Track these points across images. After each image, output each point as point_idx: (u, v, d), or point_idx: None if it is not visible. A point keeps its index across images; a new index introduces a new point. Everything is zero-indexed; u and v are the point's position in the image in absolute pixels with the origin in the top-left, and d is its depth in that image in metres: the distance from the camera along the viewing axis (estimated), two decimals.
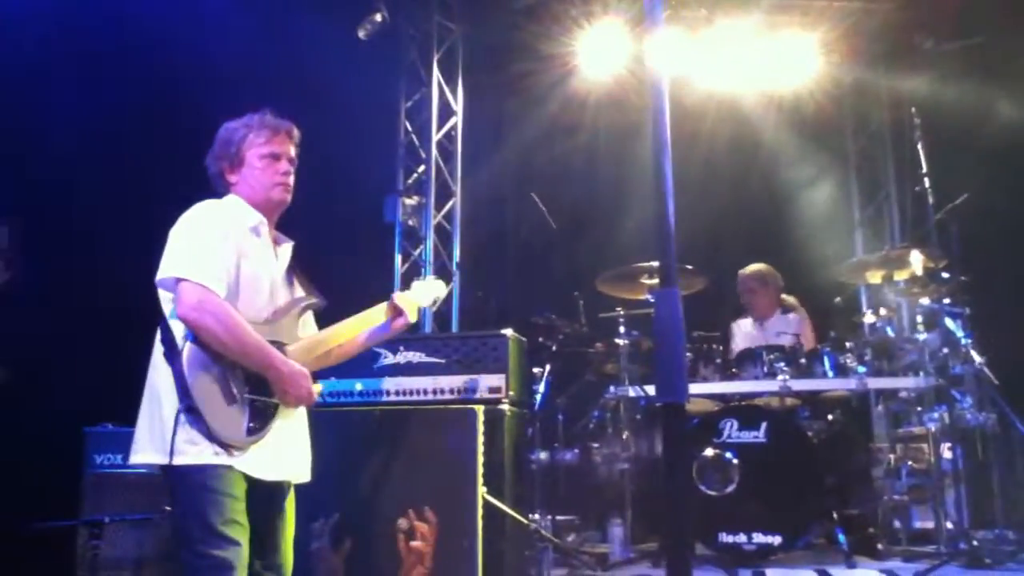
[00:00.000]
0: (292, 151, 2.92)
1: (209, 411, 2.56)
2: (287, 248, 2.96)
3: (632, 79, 7.04)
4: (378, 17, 6.80)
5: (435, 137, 7.48)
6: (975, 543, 4.36)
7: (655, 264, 5.36)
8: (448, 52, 7.65)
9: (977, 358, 4.96)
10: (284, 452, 2.78)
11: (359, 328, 3.03)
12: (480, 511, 3.79)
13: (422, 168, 7.46)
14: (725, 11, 6.91)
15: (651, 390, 5.05)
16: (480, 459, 3.85)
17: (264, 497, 2.73)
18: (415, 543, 3.79)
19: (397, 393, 4.13)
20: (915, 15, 7.01)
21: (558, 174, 7.34)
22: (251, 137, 2.86)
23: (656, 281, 5.43)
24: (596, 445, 5.59)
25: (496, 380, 4.09)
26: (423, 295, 3.22)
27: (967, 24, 6.99)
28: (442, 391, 4.10)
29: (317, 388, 2.78)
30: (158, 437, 2.59)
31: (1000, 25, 6.78)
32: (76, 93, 5.36)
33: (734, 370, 5.15)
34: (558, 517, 5.31)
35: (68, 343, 5.06)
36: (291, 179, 2.90)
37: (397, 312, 3.05)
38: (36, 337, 4.91)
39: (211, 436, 2.56)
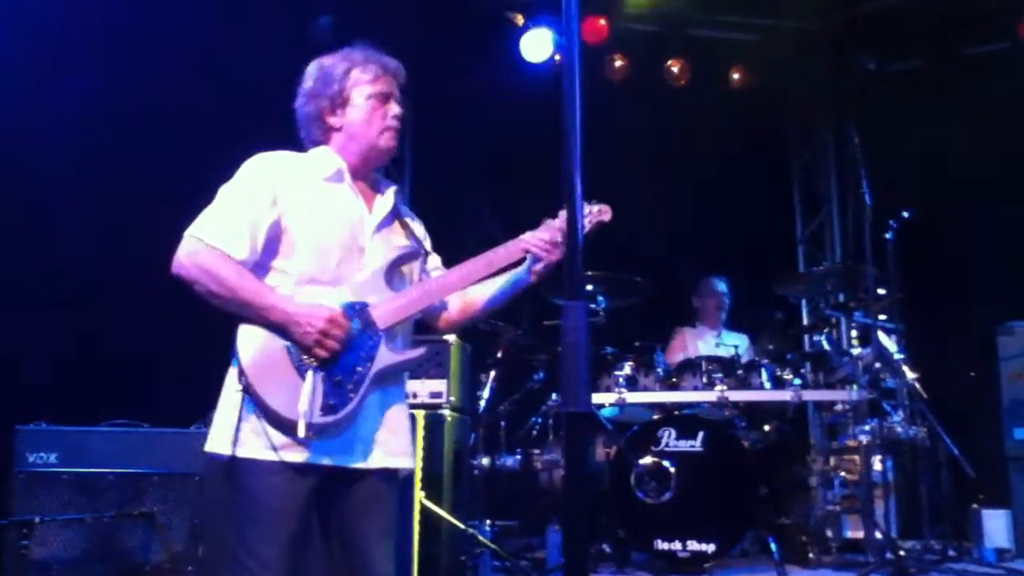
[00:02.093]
0: (399, 92, 2.56)
1: (268, 391, 2.26)
2: (389, 195, 2.56)
3: (589, 85, 7.10)
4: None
5: None
6: (902, 553, 4.47)
7: (601, 273, 5.44)
8: (400, 49, 7.63)
9: (909, 374, 5.11)
10: (381, 433, 2.41)
11: (482, 275, 2.56)
12: (417, 516, 3.81)
13: None
14: (674, 24, 7.02)
15: (592, 398, 5.10)
16: (419, 464, 3.88)
17: (352, 492, 2.38)
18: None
19: None
20: (859, 36, 7.18)
21: (508, 178, 7.38)
22: (357, 73, 2.50)
23: (601, 290, 5.50)
24: (537, 451, 5.63)
25: (438, 385, 4.12)
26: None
27: (909, 47, 7.19)
28: None
29: (339, 319, 2.30)
30: (224, 424, 2.32)
31: (940, 49, 7.00)
32: (45, 80, 5.30)
33: (674, 380, 5.23)
34: (499, 522, 5.34)
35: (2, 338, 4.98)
36: (399, 122, 2.54)
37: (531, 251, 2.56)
38: None
39: (277, 423, 2.26)
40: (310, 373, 2.28)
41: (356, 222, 2.47)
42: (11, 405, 4.61)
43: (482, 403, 5.37)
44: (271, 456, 2.27)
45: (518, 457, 5.56)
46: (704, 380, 5.11)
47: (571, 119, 1.71)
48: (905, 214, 5.22)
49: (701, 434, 4.80)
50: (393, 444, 2.44)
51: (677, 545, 4.64)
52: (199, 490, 4.01)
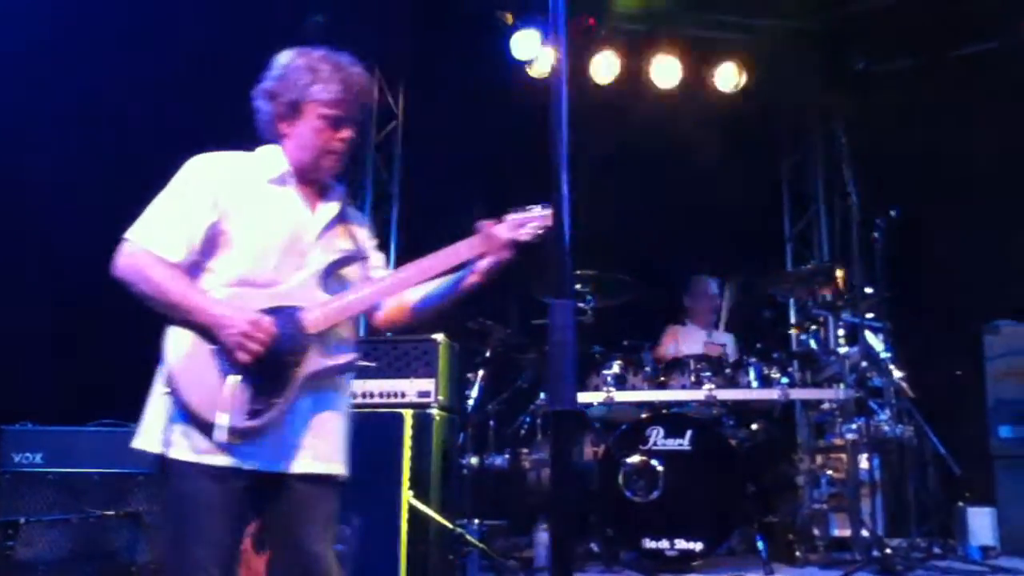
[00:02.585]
0: (358, 112, 2.51)
1: (192, 394, 2.28)
2: (334, 202, 2.55)
3: (575, 88, 7.11)
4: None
5: (374, 140, 7.48)
6: (888, 551, 4.49)
7: (590, 272, 5.45)
8: (390, 53, 7.64)
9: (896, 372, 5.13)
10: (309, 438, 2.40)
11: (422, 278, 2.54)
12: (405, 515, 3.81)
13: (360, 172, 7.45)
14: (664, 25, 7.03)
15: (581, 397, 5.11)
16: (407, 463, 3.88)
17: (284, 496, 2.39)
18: (337, 547, 3.79)
19: None
20: (848, 36, 7.21)
21: (498, 181, 7.38)
22: (316, 89, 2.43)
23: (590, 289, 5.51)
24: (526, 451, 5.63)
25: (426, 384, 4.12)
26: (512, 227, 2.60)
27: (897, 47, 7.22)
28: (371, 395, 4.11)
29: (263, 323, 2.30)
30: (153, 423, 2.33)
31: (928, 50, 7.03)
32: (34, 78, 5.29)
33: (662, 379, 5.24)
34: (487, 522, 5.34)
35: None
36: (348, 146, 2.50)
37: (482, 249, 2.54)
38: None
39: (199, 425, 2.27)
40: (234, 377, 2.29)
41: (298, 225, 2.47)
42: None
43: (471, 402, 5.38)
44: (198, 459, 2.28)
45: (507, 456, 5.57)
46: (692, 379, 5.12)
47: (557, 119, 1.72)
48: (892, 213, 5.24)
49: (689, 433, 4.80)
50: (322, 449, 2.43)
51: (665, 544, 4.65)
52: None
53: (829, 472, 5.31)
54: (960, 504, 5.15)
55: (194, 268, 2.39)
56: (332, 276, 2.49)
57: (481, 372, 5.51)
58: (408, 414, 3.96)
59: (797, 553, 4.97)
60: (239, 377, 2.30)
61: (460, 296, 2.65)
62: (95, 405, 4.45)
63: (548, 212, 2.46)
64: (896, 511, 5.26)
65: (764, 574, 4.50)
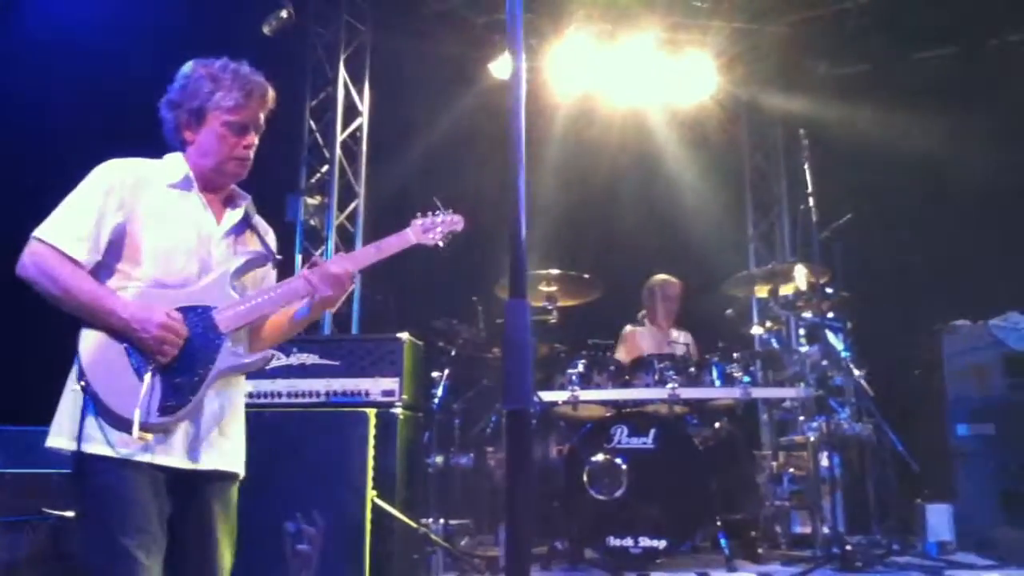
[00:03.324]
0: (261, 118, 2.58)
1: (106, 391, 2.30)
2: (238, 210, 2.61)
3: (537, 88, 7.14)
4: (284, 14, 6.72)
5: (340, 137, 7.45)
6: (848, 547, 4.55)
7: (553, 272, 5.47)
8: (355, 52, 7.63)
9: (856, 371, 5.20)
10: (217, 436, 2.45)
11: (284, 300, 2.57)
12: (369, 514, 3.79)
13: (326, 168, 7.42)
14: (627, 27, 7.07)
15: (546, 396, 5.12)
16: (371, 462, 3.86)
17: (190, 491, 2.42)
18: (301, 546, 3.77)
19: (289, 395, 4.10)
20: (808, 40, 7.30)
21: (464, 179, 7.37)
22: (218, 96, 2.50)
23: (554, 288, 5.53)
24: (491, 450, 5.64)
25: (390, 383, 4.10)
26: (418, 231, 2.69)
27: (857, 52, 7.32)
28: (335, 393, 4.09)
29: (174, 325, 2.34)
30: (66, 420, 2.34)
31: (886, 55, 7.14)
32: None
33: (627, 377, 5.26)
34: (452, 521, 5.33)
35: None
36: (252, 152, 2.57)
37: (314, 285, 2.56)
38: None
39: (114, 421, 2.29)
40: (148, 375, 2.32)
41: (202, 228, 2.52)
42: None
43: (436, 401, 5.37)
44: (114, 453, 2.30)
45: (472, 455, 5.56)
46: (656, 378, 5.14)
47: (515, 120, 1.72)
48: (850, 215, 5.31)
49: (653, 431, 4.83)
50: (227, 447, 2.50)
51: (629, 541, 4.67)
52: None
53: (791, 470, 5.37)
54: (919, 501, 5.23)
55: (104, 269, 2.42)
56: (239, 278, 2.56)
57: (446, 371, 5.50)
58: (372, 413, 3.93)
59: (760, 550, 5.02)
60: (152, 374, 2.33)
61: (309, 320, 2.68)
62: (52, 405, 4.37)
63: (457, 218, 2.74)
64: (856, 508, 5.33)
65: (727, 571, 4.54)
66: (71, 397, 2.35)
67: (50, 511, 4.07)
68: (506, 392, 1.62)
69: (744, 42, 7.41)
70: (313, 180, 7.38)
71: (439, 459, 5.41)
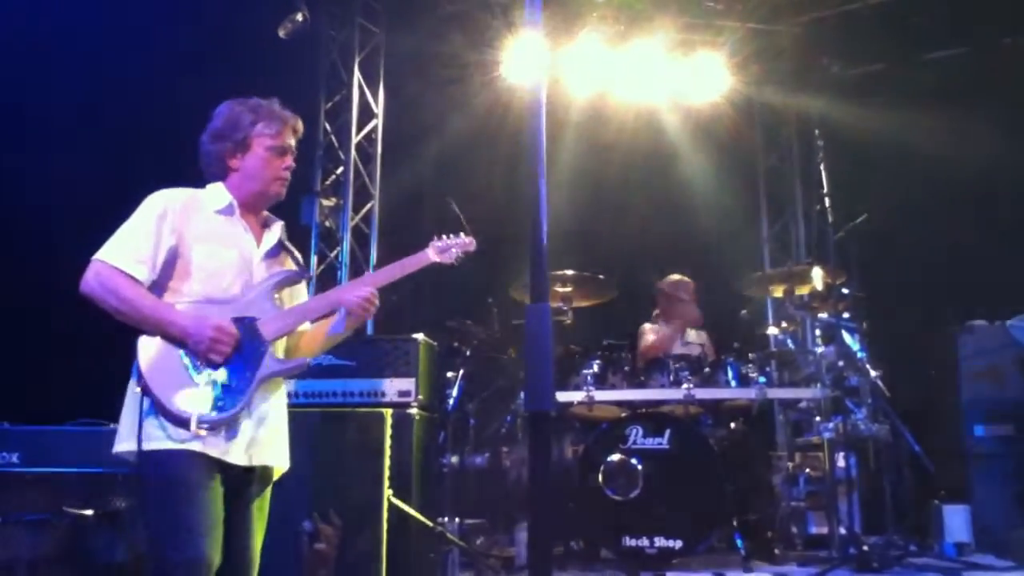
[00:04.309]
0: (294, 144, 2.91)
1: (164, 392, 2.53)
2: (276, 229, 2.90)
3: (553, 88, 7.15)
4: (299, 16, 6.75)
5: (355, 139, 7.48)
6: (865, 548, 4.54)
7: (568, 272, 5.47)
8: (370, 55, 7.66)
9: (872, 372, 5.19)
10: (264, 435, 2.69)
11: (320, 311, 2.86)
12: (385, 514, 3.81)
13: (340, 170, 7.44)
14: (641, 28, 7.07)
15: (561, 396, 5.12)
16: (387, 462, 3.87)
17: (236, 485, 2.63)
18: (319, 545, 3.79)
19: (305, 395, 4.12)
20: (822, 39, 7.28)
21: (477, 180, 7.40)
22: (261, 126, 2.82)
23: (569, 289, 5.53)
24: (506, 450, 5.64)
25: (406, 384, 4.12)
26: (436, 251, 3.01)
27: (871, 51, 7.30)
28: (351, 394, 4.11)
29: (227, 328, 2.59)
30: (127, 423, 2.57)
31: (900, 54, 7.11)
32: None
33: (642, 378, 5.26)
34: (467, 520, 5.34)
35: None
36: (289, 174, 2.89)
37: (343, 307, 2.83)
38: None
39: (173, 418, 2.51)
40: (203, 376, 2.58)
41: (245, 249, 2.80)
42: None
43: (451, 401, 5.38)
44: (174, 444, 2.52)
45: (486, 455, 5.57)
46: (671, 378, 5.14)
47: (535, 124, 1.73)
48: (865, 215, 5.29)
49: (668, 432, 4.83)
50: (275, 444, 2.76)
51: (644, 542, 4.67)
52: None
53: (807, 471, 5.36)
54: (935, 502, 5.20)
55: (158, 288, 2.68)
56: (280, 293, 2.83)
57: (461, 371, 5.51)
58: (388, 413, 3.95)
59: (776, 551, 5.01)
60: (206, 376, 2.58)
61: (347, 332, 2.92)
62: (72, 404, 4.41)
63: (470, 240, 3.06)
64: (872, 509, 5.31)
65: (743, 572, 4.53)
66: (130, 401, 2.59)
67: (70, 510, 4.11)
68: (528, 394, 1.64)
69: (757, 42, 7.40)
70: (328, 182, 7.41)
71: (454, 459, 5.42)
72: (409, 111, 7.72)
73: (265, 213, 2.93)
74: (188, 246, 2.71)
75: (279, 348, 2.79)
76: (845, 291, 5.23)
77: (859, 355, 5.18)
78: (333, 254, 7.30)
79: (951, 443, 5.70)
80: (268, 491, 2.78)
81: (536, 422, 1.64)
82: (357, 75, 7.53)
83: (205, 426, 2.53)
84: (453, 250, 3.05)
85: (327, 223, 7.28)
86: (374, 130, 7.62)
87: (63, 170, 5.32)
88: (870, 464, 5.37)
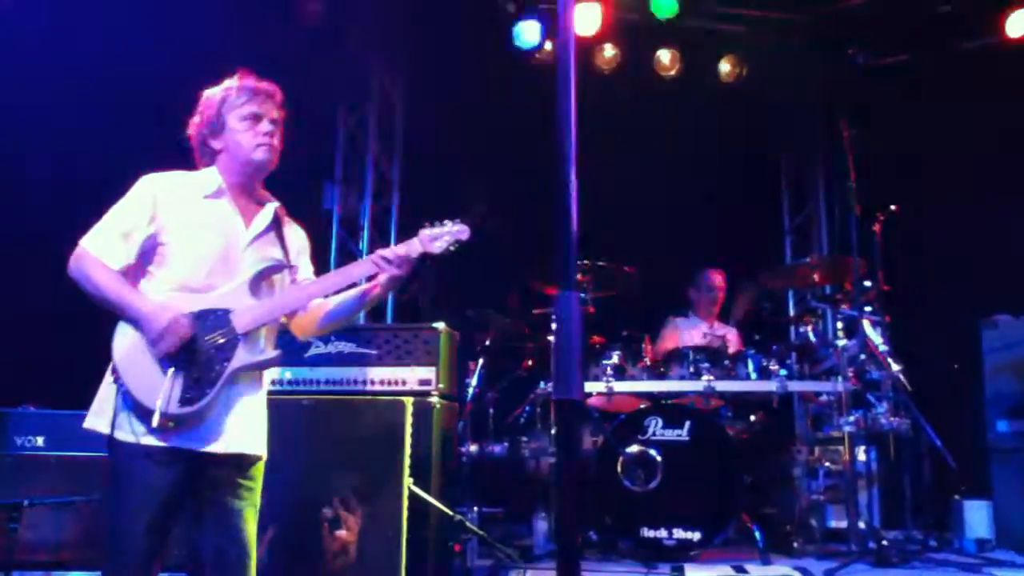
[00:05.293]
0: (275, 112, 2.86)
1: (135, 383, 2.61)
2: (268, 210, 2.89)
3: (581, 76, 7.11)
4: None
5: (374, 126, 7.48)
6: (884, 542, 4.52)
7: (587, 263, 5.46)
8: (390, 41, 7.63)
9: (894, 365, 5.15)
10: (232, 423, 2.73)
11: (338, 286, 2.87)
12: (406, 502, 3.82)
13: (361, 157, 7.45)
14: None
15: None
16: (407, 450, 3.88)
17: (213, 471, 2.70)
18: (340, 532, 3.81)
19: (327, 383, 4.13)
20: (848, 29, 7.20)
21: (497, 167, 7.38)
22: (231, 100, 2.82)
23: (589, 279, 5.52)
24: (525, 439, 5.64)
25: (426, 373, 4.12)
26: (425, 240, 2.85)
27: (898, 41, 7.22)
28: (372, 382, 4.12)
29: (178, 324, 2.61)
30: (100, 403, 2.67)
31: (928, 44, 7.03)
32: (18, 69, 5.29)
33: (661, 369, 5.26)
34: (485, 509, 5.36)
35: None
36: (275, 140, 2.84)
37: (380, 266, 2.82)
38: None
39: (139, 410, 2.59)
40: (171, 369, 2.62)
41: (231, 235, 2.80)
42: None
43: (470, 390, 5.39)
44: (138, 440, 2.61)
45: (505, 445, 5.58)
46: (691, 370, 5.14)
47: (565, 109, 1.72)
48: (892, 207, 5.25)
49: (687, 423, 4.83)
50: (244, 433, 2.77)
51: (663, 533, 4.68)
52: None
53: (826, 464, 5.33)
54: (956, 497, 5.18)
55: (138, 273, 2.74)
56: (262, 282, 2.83)
57: (480, 360, 5.52)
58: (409, 402, 3.96)
59: (794, 544, 5.00)
60: (175, 369, 2.62)
61: (367, 306, 2.98)
62: (95, 387, 4.44)
63: (462, 227, 2.90)
64: (892, 504, 5.29)
65: (761, 564, 4.53)
66: (108, 387, 2.67)
67: (93, 493, 4.16)
68: (556, 383, 1.64)
69: (781, 32, 7.33)
70: (349, 169, 7.42)
71: (473, 448, 5.44)
72: (431, 98, 7.70)
73: (262, 192, 2.92)
74: (169, 233, 2.72)
75: (259, 337, 2.80)
76: (868, 284, 5.19)
77: (881, 348, 5.14)
78: (354, 241, 7.32)
79: (973, 438, 5.66)
80: (254, 476, 2.80)
81: (565, 410, 1.64)
82: (377, 62, 7.52)
83: (171, 420, 2.59)
84: (445, 239, 2.88)
85: (347, 210, 7.30)
86: (394, 116, 7.62)
87: (85, 162, 5.36)
88: (890, 458, 5.34)
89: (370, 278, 2.90)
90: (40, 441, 4.29)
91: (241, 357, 2.71)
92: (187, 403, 2.61)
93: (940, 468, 5.29)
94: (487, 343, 5.53)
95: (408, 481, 3.85)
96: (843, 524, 5.14)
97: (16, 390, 4.50)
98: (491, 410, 5.70)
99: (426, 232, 2.88)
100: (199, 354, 2.66)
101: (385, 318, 7.11)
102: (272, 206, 2.91)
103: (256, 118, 2.81)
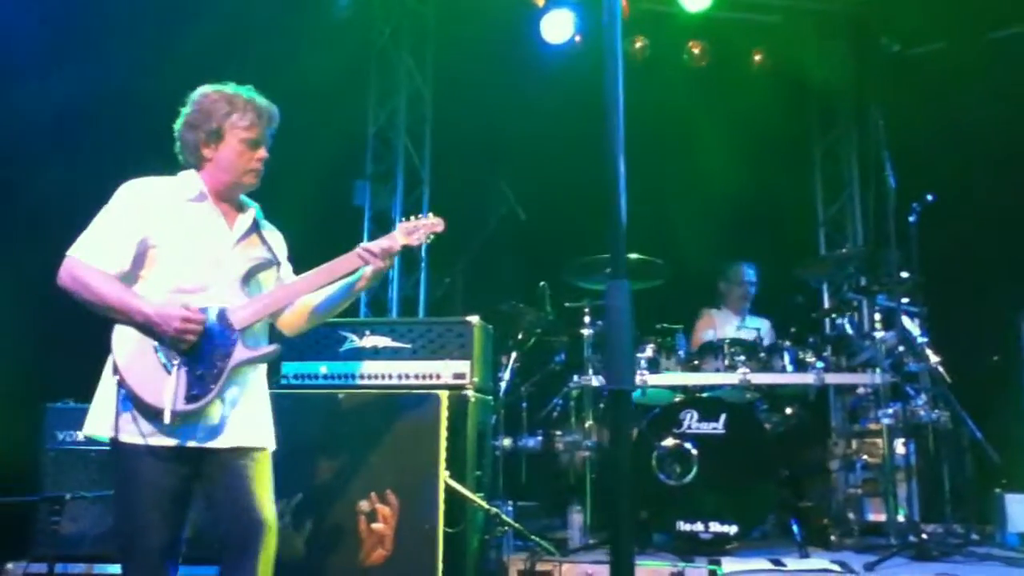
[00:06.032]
0: (269, 136, 2.93)
1: (139, 384, 2.65)
2: (248, 214, 2.97)
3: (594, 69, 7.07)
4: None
5: (404, 122, 7.49)
6: (924, 536, 4.46)
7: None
8: (419, 37, 7.65)
9: (932, 357, 5.08)
10: (237, 418, 2.81)
11: (325, 281, 2.98)
12: (442, 495, 3.83)
13: (392, 153, 7.47)
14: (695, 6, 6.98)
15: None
16: (443, 444, 3.89)
17: (221, 465, 2.77)
18: (376, 525, 3.83)
19: (362, 377, 4.15)
20: (882, 17, 7.12)
21: (530, 162, 7.37)
22: (235, 117, 2.84)
23: None
24: (559, 433, 5.64)
25: (461, 366, 4.13)
26: (404, 233, 3.09)
27: (932, 29, 7.12)
28: (407, 376, 4.13)
29: (193, 316, 2.68)
30: (100, 408, 2.72)
31: (963, 31, 6.92)
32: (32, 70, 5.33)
33: (696, 362, 5.22)
34: (520, 503, 5.36)
35: (29, 319, 5.01)
36: (262, 165, 2.92)
37: (365, 259, 2.98)
38: None
39: (146, 410, 2.64)
40: (175, 368, 2.68)
41: (216, 237, 2.86)
42: (40, 384, 4.66)
43: (503, 385, 5.39)
44: (144, 441, 2.67)
45: (539, 438, 5.57)
46: (726, 363, 5.10)
47: (613, 100, 1.71)
48: (929, 197, 5.18)
49: (723, 416, 4.80)
50: (249, 426, 2.84)
51: (699, 527, 4.65)
52: None
53: (864, 457, 5.27)
54: (997, 490, 5.10)
55: (130, 277, 2.76)
56: (251, 280, 2.91)
57: (513, 354, 5.52)
58: (444, 395, 3.97)
59: (832, 537, 4.96)
60: (178, 368, 2.68)
61: (351, 299, 3.11)
62: None
63: (437, 220, 3.11)
64: (931, 497, 5.22)
65: (799, 557, 4.49)
66: (108, 390, 2.71)
67: None
68: (607, 373, 1.63)
69: (813, 21, 7.26)
70: (380, 166, 7.44)
71: (506, 442, 5.44)
72: (460, 93, 7.70)
73: (240, 197, 2.98)
74: (158, 237, 2.77)
75: (255, 334, 2.88)
76: (905, 275, 5.12)
77: (919, 340, 5.08)
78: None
79: (1013, 430, 5.56)
80: (262, 463, 2.85)
81: (616, 401, 1.63)
82: (407, 58, 7.54)
83: (178, 418, 2.65)
84: (421, 231, 3.09)
85: (379, 207, 7.32)
86: (425, 112, 7.62)
87: (97, 158, 5.40)
88: (929, 451, 5.27)
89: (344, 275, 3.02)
90: (80, 435, 4.33)
91: (241, 352, 2.78)
92: (193, 400, 2.68)
93: (980, 461, 5.22)
94: (519, 337, 5.52)
95: (444, 474, 3.86)
96: (881, 517, 5.08)
97: (56, 385, 4.56)
98: (524, 404, 5.69)
99: (402, 226, 3.10)
100: (201, 351, 2.72)
101: (417, 312, 7.13)
102: (253, 208, 2.99)
103: (255, 145, 2.88)
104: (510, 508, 5.04)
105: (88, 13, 5.52)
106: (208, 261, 2.82)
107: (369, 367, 4.16)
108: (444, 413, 3.94)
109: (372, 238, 7.57)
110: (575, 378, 5.41)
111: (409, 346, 4.20)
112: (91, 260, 2.70)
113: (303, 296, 3.01)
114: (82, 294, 2.67)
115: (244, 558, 2.75)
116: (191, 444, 2.72)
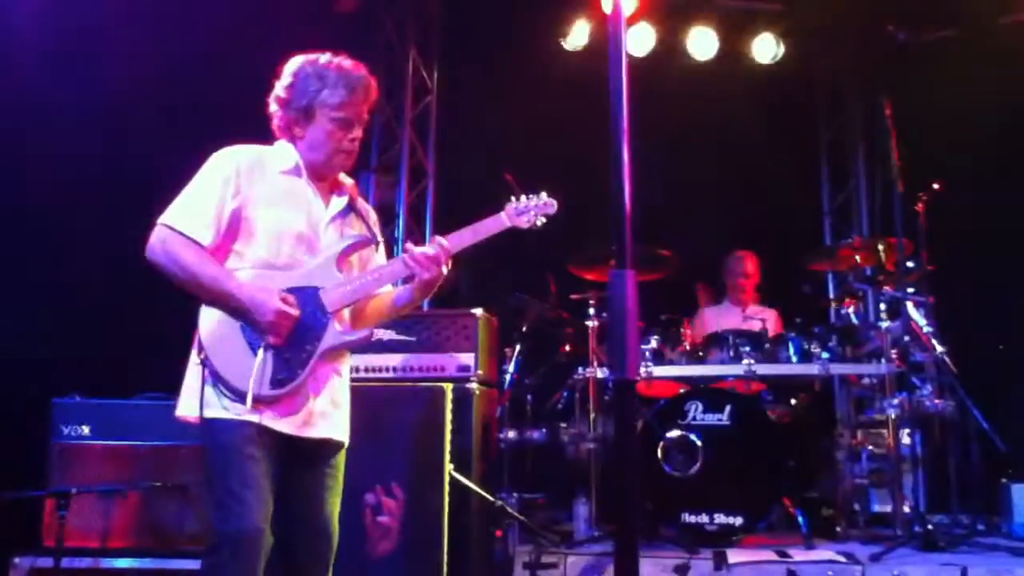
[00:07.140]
0: (365, 112, 2.76)
1: (223, 365, 2.52)
2: (346, 189, 2.82)
3: (601, 59, 7.05)
4: None
5: (410, 115, 7.47)
6: (930, 526, 4.45)
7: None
8: (425, 30, 7.63)
9: (938, 347, 5.06)
10: (320, 407, 2.67)
11: (401, 273, 2.79)
12: (447, 488, 3.84)
13: (396, 146, 7.45)
14: None
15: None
16: (448, 436, 3.90)
17: (300, 456, 2.65)
18: (382, 518, 3.84)
19: (367, 370, 4.16)
20: (887, 5, 7.06)
21: (534, 155, 7.34)
22: (326, 94, 2.67)
23: None
24: (564, 425, 5.64)
25: (466, 359, 4.14)
26: (513, 214, 2.84)
27: (940, 16, 7.07)
28: (412, 369, 4.13)
29: (287, 308, 2.54)
30: (189, 390, 2.60)
31: (972, 19, 6.87)
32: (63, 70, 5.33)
33: (700, 354, 5.21)
34: (525, 495, 5.36)
35: (35, 314, 5.03)
36: (357, 144, 2.77)
37: (412, 270, 2.75)
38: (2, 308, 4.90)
39: (231, 391, 2.51)
40: (261, 351, 2.54)
41: (310, 214, 2.71)
42: (46, 378, 4.68)
43: (508, 377, 5.39)
44: (231, 415, 2.53)
45: (544, 431, 5.57)
46: (731, 354, 5.09)
47: (617, 90, 1.70)
48: (935, 186, 5.16)
49: (728, 407, 4.79)
50: (334, 417, 2.73)
51: (704, 518, 4.65)
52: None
53: (869, 447, 5.26)
54: (1004, 480, 5.08)
55: (221, 251, 2.63)
56: (345, 260, 2.74)
57: (518, 347, 5.51)
58: (448, 388, 3.97)
59: (838, 528, 4.95)
60: (265, 350, 2.54)
61: (413, 305, 2.91)
62: (141, 377, 4.51)
63: (551, 201, 2.86)
64: (937, 487, 5.21)
65: (805, 548, 4.48)
66: (193, 370, 2.59)
67: (139, 481, 4.22)
68: (611, 362, 1.63)
69: (819, 9, 7.20)
70: (384, 158, 7.43)
71: (511, 434, 5.44)
72: (465, 86, 7.68)
73: (335, 176, 2.82)
74: (252, 208, 2.63)
75: (342, 318, 2.72)
76: (911, 264, 5.10)
77: (926, 330, 5.06)
78: (389, 230, 7.33)
79: (1020, 420, 5.55)
80: (338, 462, 2.77)
81: (620, 390, 1.63)
82: (412, 51, 7.52)
83: (262, 402, 2.53)
84: (532, 212, 2.87)
85: (383, 199, 7.31)
86: (429, 105, 7.61)
87: (120, 142, 5.40)
88: (935, 441, 5.26)
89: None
90: (87, 430, 4.35)
91: (331, 337, 2.63)
92: (278, 385, 2.54)
93: (987, 451, 5.19)
94: (524, 329, 5.52)
95: (449, 467, 3.87)
96: (887, 508, 5.07)
97: (63, 379, 4.57)
98: (529, 396, 5.69)
99: (511, 206, 2.87)
100: (290, 334, 2.57)
101: (422, 304, 7.12)
102: (350, 184, 2.85)
103: (347, 124, 2.71)
104: (516, 500, 5.04)
105: None
106: (300, 236, 2.67)
107: (374, 360, 4.18)
108: (449, 406, 3.95)
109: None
110: (580, 370, 5.41)
111: (414, 339, 4.21)
112: (185, 229, 2.56)
113: (386, 286, 2.84)
114: (172, 269, 2.54)
115: None
116: (276, 428, 2.58)
